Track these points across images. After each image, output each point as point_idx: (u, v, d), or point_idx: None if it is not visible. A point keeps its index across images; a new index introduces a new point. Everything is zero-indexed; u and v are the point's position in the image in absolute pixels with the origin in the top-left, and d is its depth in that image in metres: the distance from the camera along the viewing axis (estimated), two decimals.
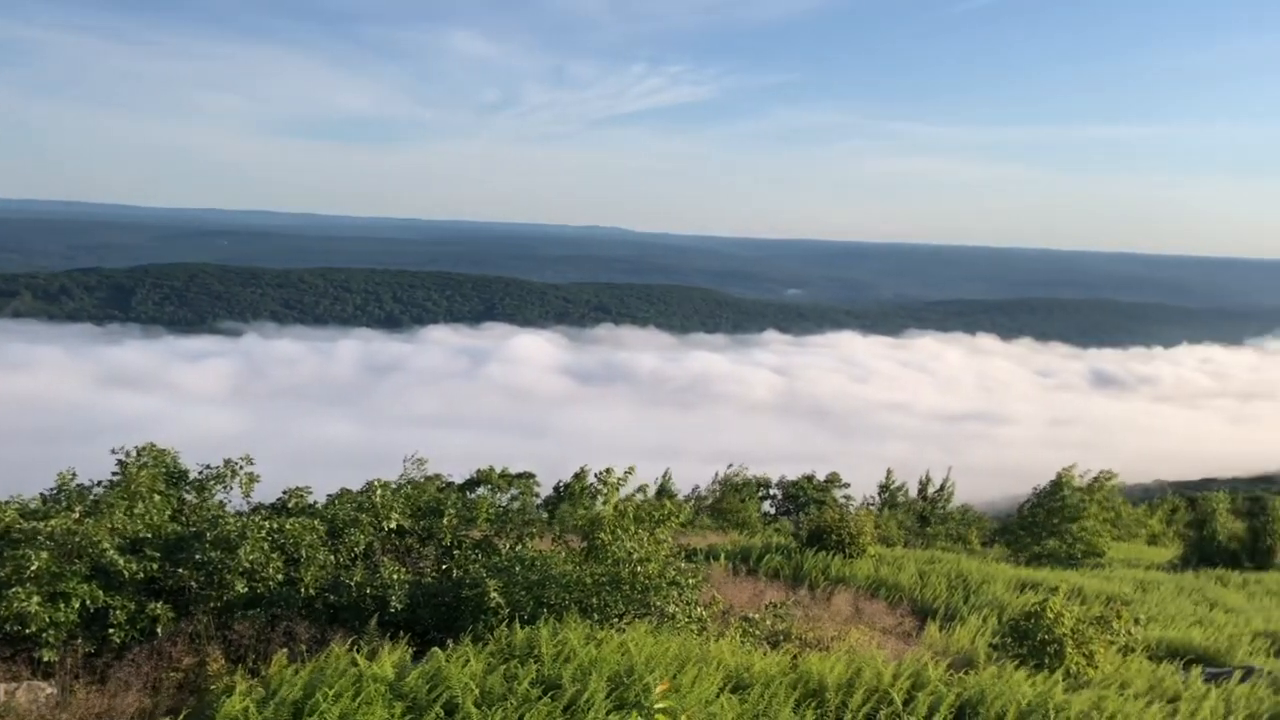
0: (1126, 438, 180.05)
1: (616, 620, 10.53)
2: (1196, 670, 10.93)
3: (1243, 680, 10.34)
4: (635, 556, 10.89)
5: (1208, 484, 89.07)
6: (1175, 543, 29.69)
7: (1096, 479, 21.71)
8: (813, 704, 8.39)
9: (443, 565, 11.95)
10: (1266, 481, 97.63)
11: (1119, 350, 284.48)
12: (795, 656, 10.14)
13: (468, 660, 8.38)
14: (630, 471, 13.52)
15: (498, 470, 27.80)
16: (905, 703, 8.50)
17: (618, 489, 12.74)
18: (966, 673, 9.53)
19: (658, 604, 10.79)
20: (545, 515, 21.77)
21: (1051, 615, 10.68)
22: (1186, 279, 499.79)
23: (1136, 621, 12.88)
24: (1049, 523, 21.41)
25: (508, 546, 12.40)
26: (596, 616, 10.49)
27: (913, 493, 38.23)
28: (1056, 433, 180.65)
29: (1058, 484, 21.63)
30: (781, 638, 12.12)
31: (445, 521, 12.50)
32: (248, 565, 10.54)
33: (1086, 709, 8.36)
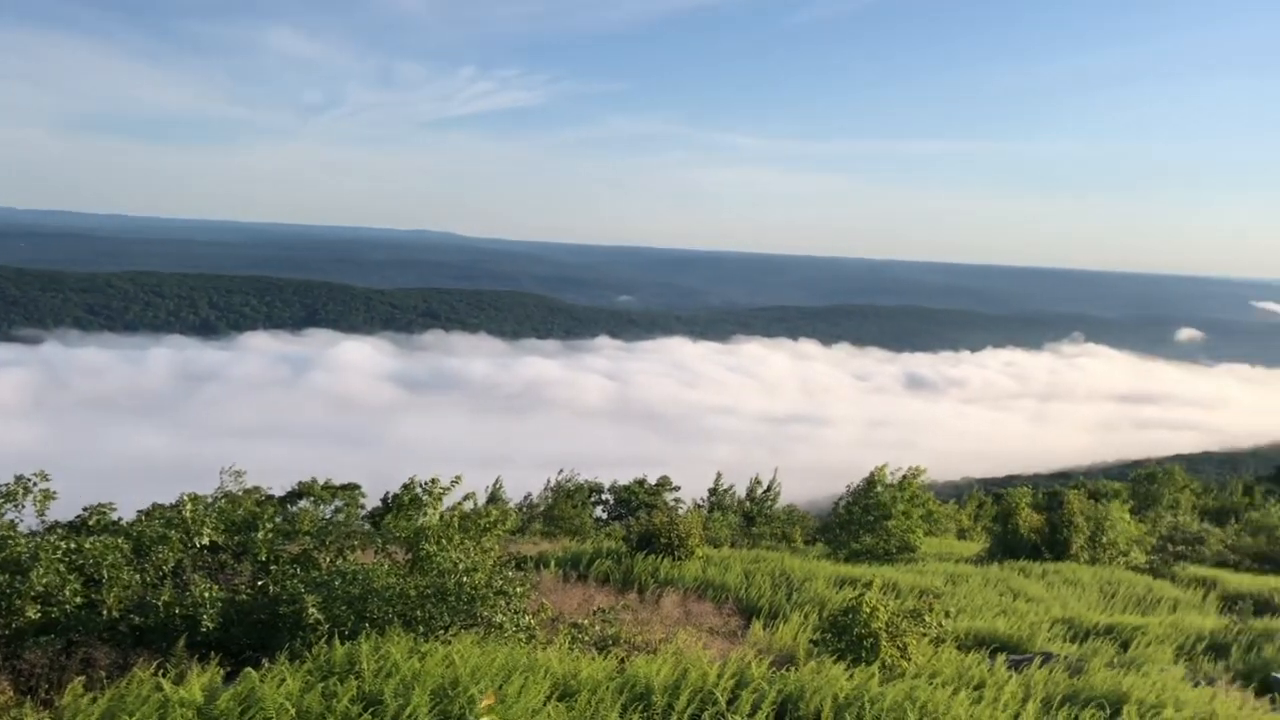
0: (937, 437, 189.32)
1: (442, 632, 10.32)
2: (1001, 658, 11.53)
3: (1042, 665, 10.95)
4: (461, 567, 10.71)
5: (1012, 480, 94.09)
6: (982, 537, 31.30)
7: (906, 476, 22.66)
8: (639, 707, 8.42)
9: (258, 581, 11.45)
10: (1064, 477, 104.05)
11: (930, 354, 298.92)
12: (623, 660, 10.17)
13: (283, 679, 8.04)
14: (457, 480, 13.28)
15: (321, 482, 26.90)
16: (729, 702, 8.63)
17: (441, 499, 12.49)
18: (788, 669, 9.77)
19: (484, 614, 10.63)
20: (370, 527, 21.21)
21: (867, 610, 11.08)
22: (991, 288, 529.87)
23: (947, 614, 13.49)
24: (865, 520, 22.23)
25: (328, 560, 11.98)
26: (422, 629, 10.26)
27: (740, 494, 39.03)
28: (874, 433, 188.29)
29: (871, 482, 22.50)
30: (610, 642, 12.14)
31: (261, 536, 11.99)
32: (41, 589, 9.84)
33: (899, 699, 8.68)
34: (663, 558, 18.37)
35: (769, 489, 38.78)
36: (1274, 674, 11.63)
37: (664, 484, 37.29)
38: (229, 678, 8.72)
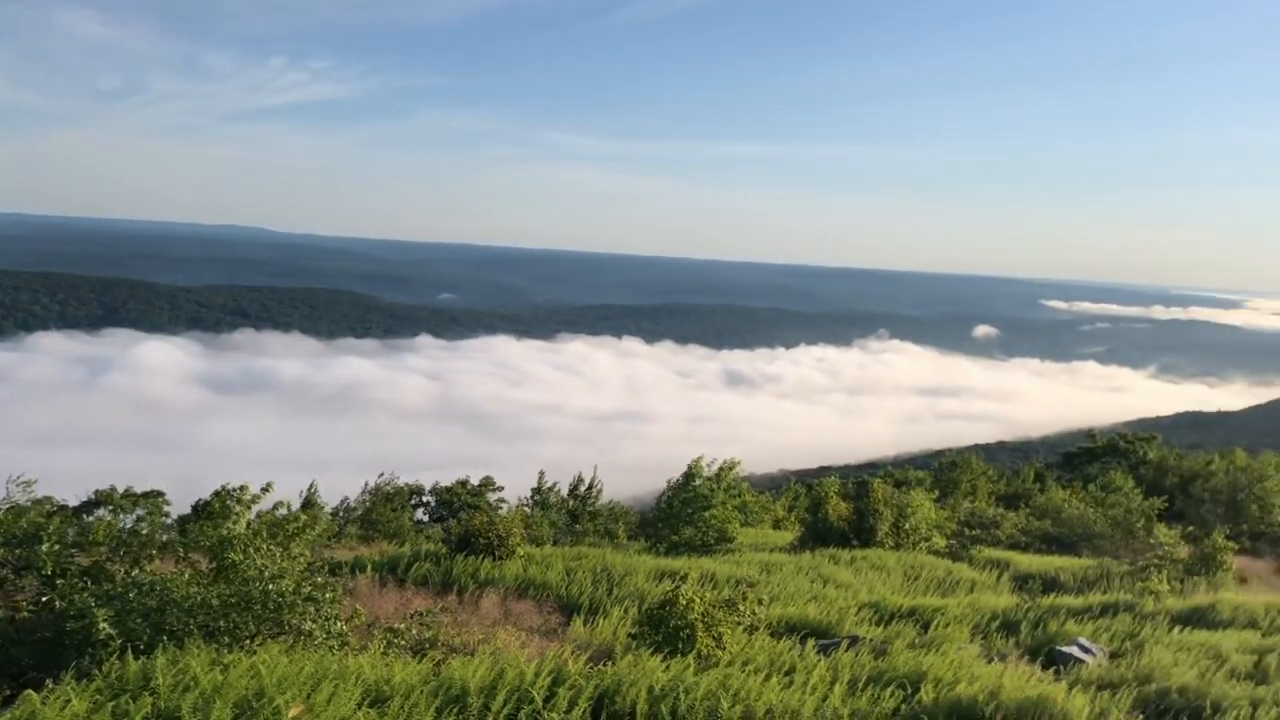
0: (755, 431, 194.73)
1: (248, 642, 9.89)
2: (811, 643, 11.91)
3: (849, 648, 11.38)
4: (267, 574, 10.29)
5: (825, 471, 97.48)
6: (796, 526, 32.31)
7: (722, 468, 23.17)
8: (454, 710, 8.29)
9: (43, 597, 10.69)
10: (872, 467, 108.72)
11: (748, 351, 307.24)
12: (439, 663, 9.99)
13: (68, 701, 7.52)
14: (268, 487, 12.76)
15: (121, 490, 25.34)
16: (546, 699, 8.60)
17: (250, 506, 11.97)
18: (606, 664, 9.82)
19: (293, 622, 10.25)
20: (176, 536, 20.16)
21: (683, 602, 11.25)
22: (805, 287, 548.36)
23: (760, 602, 13.85)
24: (684, 513, 22.61)
25: (123, 572, 11.29)
26: (226, 640, 9.80)
27: (565, 492, 39.03)
28: (695, 429, 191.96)
29: (689, 475, 22.90)
30: (427, 645, 11.92)
31: (45, 549, 11.20)
32: None
33: (713, 687, 8.86)
34: (483, 558, 18.16)
35: (592, 486, 38.91)
36: (1058, 647, 12.44)
37: (487, 484, 36.90)
38: (7, 702, 8.10)
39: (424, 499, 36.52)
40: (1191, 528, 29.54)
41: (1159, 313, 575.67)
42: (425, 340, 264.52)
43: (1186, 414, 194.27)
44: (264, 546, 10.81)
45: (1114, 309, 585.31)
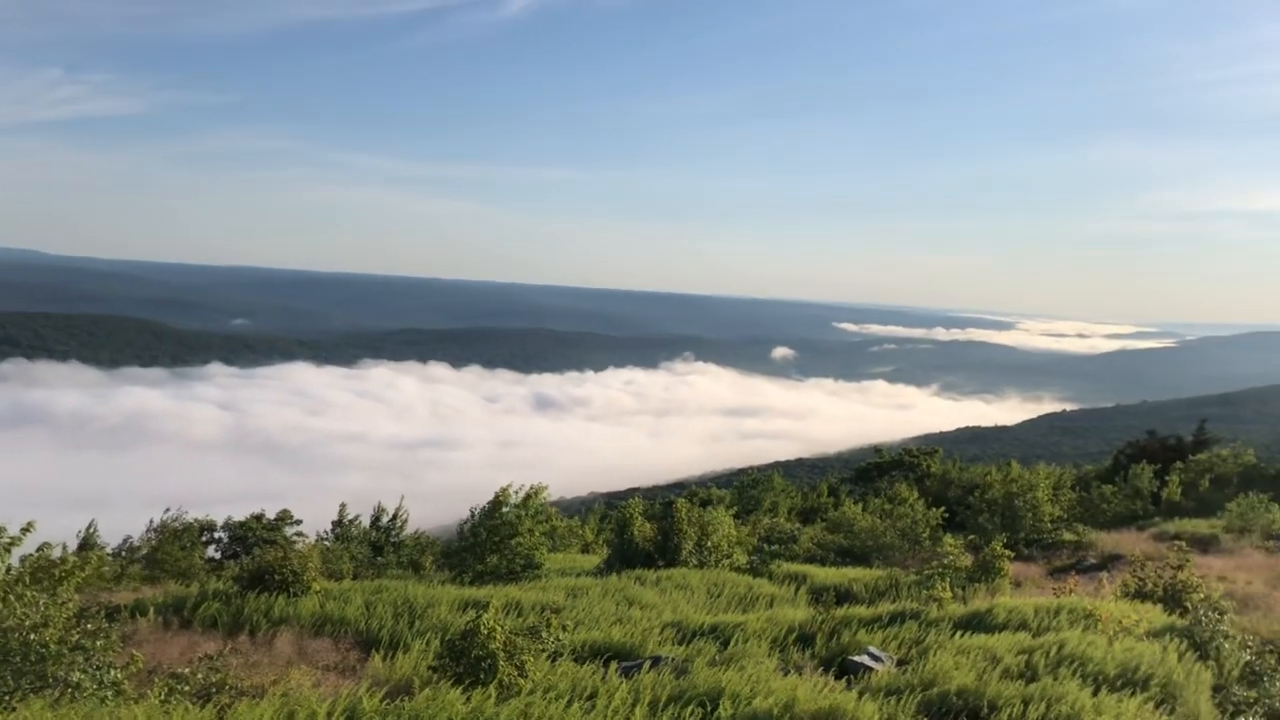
0: (565, 455, 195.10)
1: (6, 699, 9.09)
2: (614, 666, 11.94)
3: (651, 669, 11.47)
4: (28, 623, 9.50)
5: (634, 493, 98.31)
6: (604, 549, 32.44)
7: (529, 494, 23.03)
8: None
9: None
10: (679, 487, 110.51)
11: (556, 375, 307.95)
12: (224, 709, 9.46)
13: None
14: (28, 528, 11.78)
15: None
16: None
17: (9, 549, 11.02)
18: (404, 699, 9.54)
19: (59, 674, 9.49)
20: None
21: (485, 631, 11.08)
22: (613, 311, 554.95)
23: (565, 628, 13.80)
24: (490, 540, 22.32)
25: None
26: None
27: (368, 524, 37.89)
28: (505, 454, 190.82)
29: (496, 502, 22.64)
30: (214, 691, 11.28)
31: None
32: None
33: (515, 716, 8.74)
34: (277, 595, 17.38)
35: (396, 516, 37.91)
36: (850, 657, 12.93)
37: (284, 518, 35.36)
38: None
39: (216, 535, 34.66)
40: (972, 536, 31.38)
41: (941, 334, 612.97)
42: (217, 368, 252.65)
43: (967, 429, 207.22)
44: (26, 593, 9.99)
45: (900, 331, 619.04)
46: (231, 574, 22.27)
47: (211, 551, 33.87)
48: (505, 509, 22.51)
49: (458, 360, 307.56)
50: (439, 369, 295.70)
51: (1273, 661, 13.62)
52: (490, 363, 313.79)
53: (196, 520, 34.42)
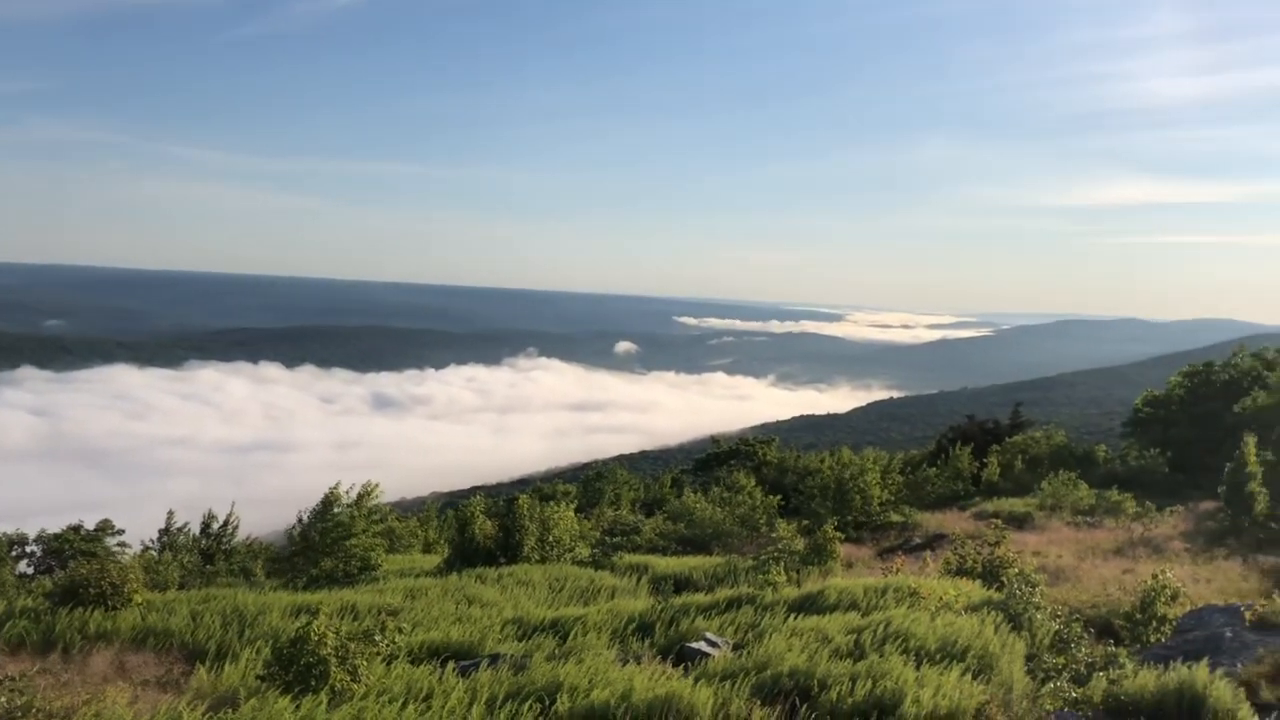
0: (407, 455, 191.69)
1: None
2: (451, 665, 11.74)
3: (489, 666, 11.33)
4: None
5: (478, 491, 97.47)
6: (445, 549, 31.99)
7: (362, 494, 22.49)
8: None
9: None
10: (524, 484, 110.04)
11: (395, 373, 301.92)
12: None
13: None
14: None
15: None
16: None
17: None
18: (229, 711, 9.14)
19: None
20: None
21: (316, 637, 10.72)
22: (453, 307, 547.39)
23: (401, 630, 13.50)
24: (324, 543, 21.69)
25: None
26: None
27: (198, 531, 36.30)
28: (343, 456, 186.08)
29: (328, 503, 22.01)
30: (19, 714, 10.55)
31: None
32: None
33: None
34: (93, 610, 16.40)
35: (227, 523, 36.43)
36: (688, 644, 13.09)
37: (105, 528, 33.48)
38: None
39: (28, 549, 32.57)
40: (806, 521, 32.34)
41: (776, 327, 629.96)
42: (29, 372, 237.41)
43: (802, 417, 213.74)
44: None
45: (738, 324, 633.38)
46: (43, 589, 20.94)
47: (24, 567, 31.79)
48: (338, 510, 21.90)
49: (291, 360, 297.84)
50: (271, 369, 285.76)
51: (1079, 629, 14.50)
52: (325, 362, 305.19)
53: (5, 534, 32.24)
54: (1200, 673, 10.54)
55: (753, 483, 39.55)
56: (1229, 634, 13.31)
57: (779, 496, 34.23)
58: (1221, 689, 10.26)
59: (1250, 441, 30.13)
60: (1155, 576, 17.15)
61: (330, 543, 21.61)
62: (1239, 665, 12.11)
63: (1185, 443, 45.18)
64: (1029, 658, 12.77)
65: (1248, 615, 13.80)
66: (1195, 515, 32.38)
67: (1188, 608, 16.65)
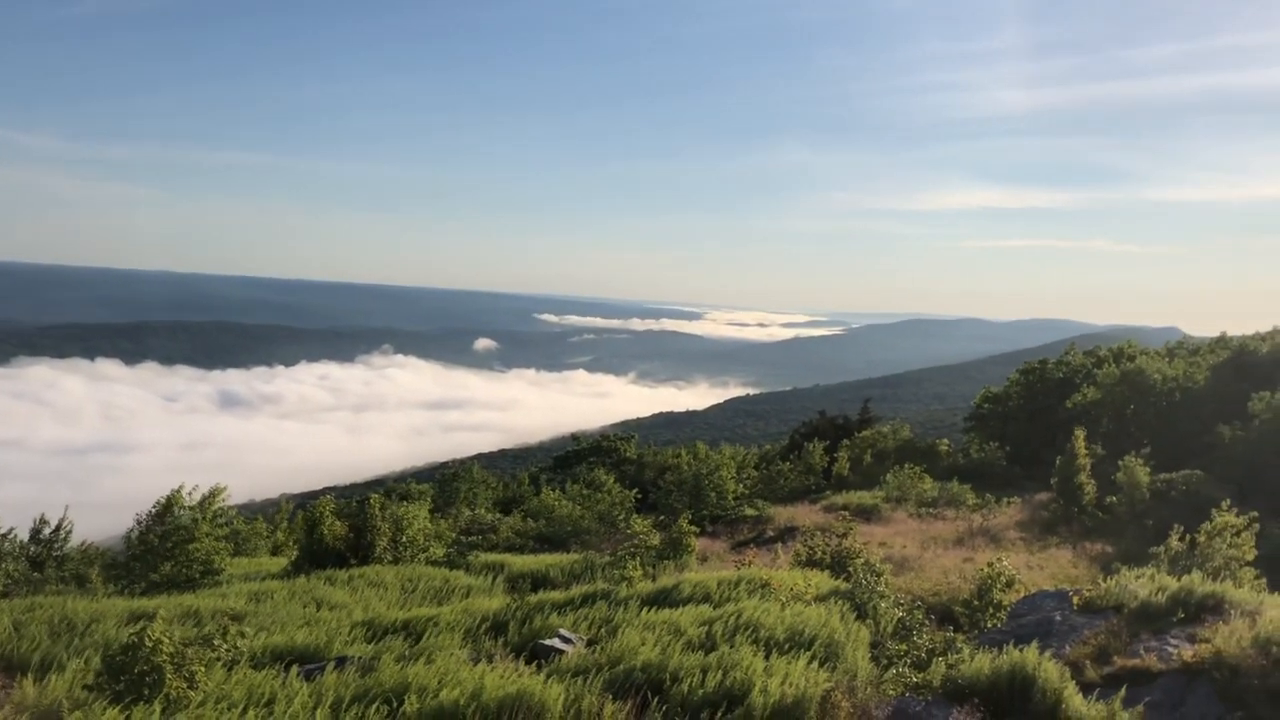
0: (256, 456, 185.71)
1: None
2: (295, 669, 11.39)
3: (336, 670, 11.04)
4: None
5: (330, 492, 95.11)
6: (294, 551, 31.10)
7: (206, 496, 21.64)
8: None
9: None
10: (379, 484, 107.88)
11: (244, 371, 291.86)
12: None
13: None
14: None
15: None
16: None
17: None
18: None
19: None
20: None
21: (150, 644, 10.23)
22: (304, 302, 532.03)
23: (244, 634, 13.02)
24: (164, 547, 20.77)
25: None
26: None
27: (27, 538, 34.30)
28: (188, 457, 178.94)
29: (167, 506, 21.10)
30: None
31: None
32: None
33: None
34: None
35: (60, 528, 34.52)
36: (541, 641, 13.03)
37: None
38: None
39: None
40: (663, 516, 32.69)
41: (636, 325, 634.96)
42: None
43: (662, 414, 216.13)
44: None
45: (599, 322, 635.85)
46: None
47: None
48: (179, 513, 21.01)
49: (131, 357, 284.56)
50: (109, 366, 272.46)
51: (920, 616, 15.06)
52: (169, 359, 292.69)
53: None
54: (1030, 655, 11.07)
55: (612, 480, 39.78)
56: (1059, 618, 14.02)
57: (637, 492, 34.48)
58: (1049, 670, 10.80)
59: (1079, 435, 31.90)
60: (992, 565, 17.97)
61: (171, 547, 20.70)
62: (1067, 647, 12.79)
63: (1022, 437, 47.52)
64: (874, 645, 13.18)
65: (1076, 600, 14.56)
66: (1031, 505, 34.10)
67: (1022, 594, 17.51)
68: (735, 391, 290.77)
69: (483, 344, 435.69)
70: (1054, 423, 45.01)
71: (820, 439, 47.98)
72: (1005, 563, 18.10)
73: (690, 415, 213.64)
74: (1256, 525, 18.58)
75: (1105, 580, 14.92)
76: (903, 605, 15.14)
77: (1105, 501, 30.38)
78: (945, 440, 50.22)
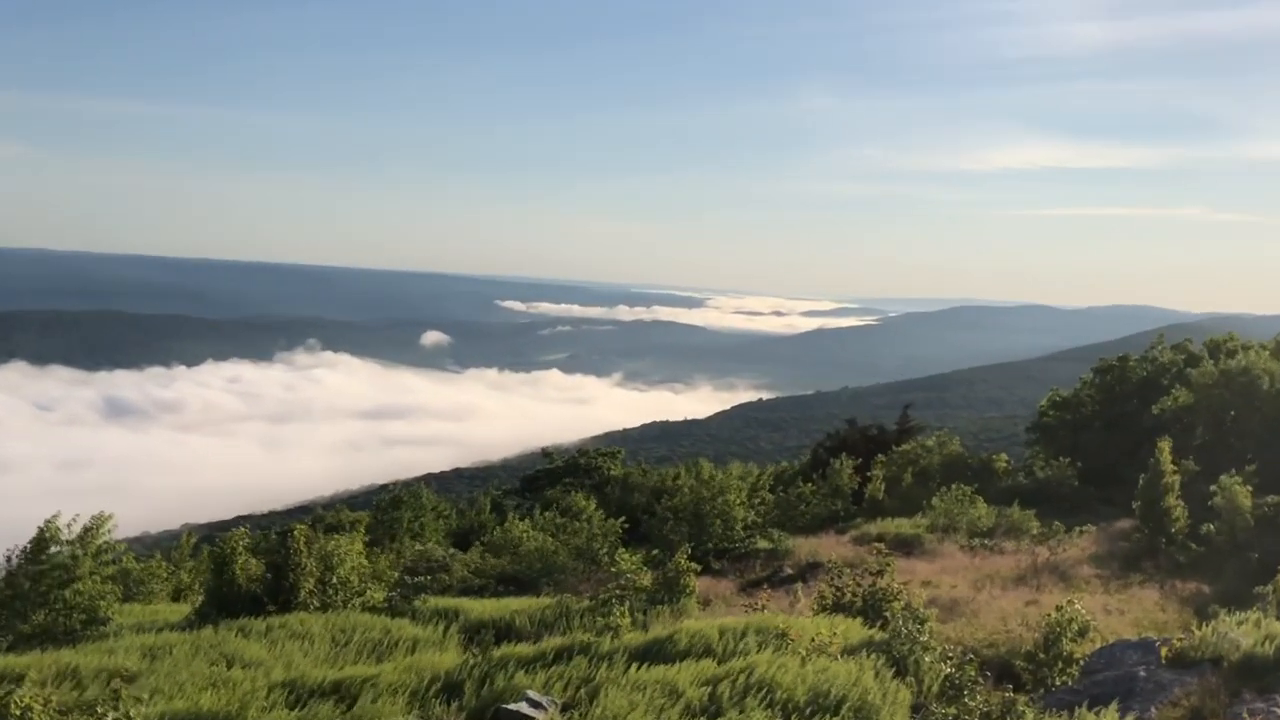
0: (152, 478, 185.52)
1: None
2: None
3: None
4: None
5: (245, 521, 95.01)
6: (200, 595, 31.03)
7: (88, 528, 21.60)
8: None
9: None
10: (305, 511, 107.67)
11: (135, 372, 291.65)
12: None
13: None
14: None
15: None
16: None
17: None
18: None
19: None
20: None
21: (17, 712, 10.27)
22: (209, 287, 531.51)
23: (138, 700, 13.00)
24: (36, 591, 20.74)
25: None
26: None
27: None
28: (67, 479, 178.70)
29: (41, 541, 21.05)
30: None
31: None
32: None
33: None
34: None
35: None
36: (504, 706, 13.04)
37: None
38: None
39: None
40: (656, 550, 32.71)
41: (623, 314, 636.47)
42: None
43: (654, 424, 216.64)
44: None
45: (576, 310, 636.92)
46: None
47: None
48: (56, 550, 20.99)
49: None
50: None
51: (974, 673, 15.11)
52: (41, 358, 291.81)
53: None
54: None
55: (593, 505, 39.79)
56: (1143, 673, 14.11)
57: (624, 520, 34.52)
58: None
59: (1164, 448, 31.98)
60: (1061, 609, 18.03)
61: (44, 591, 20.67)
62: (1153, 710, 12.86)
63: (1097, 450, 47.69)
64: (915, 708, 13.23)
65: (1164, 651, 14.64)
66: (1108, 535, 34.24)
67: (1098, 644, 17.60)
68: (745, 396, 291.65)
69: (432, 338, 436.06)
70: (1136, 433, 45.20)
71: (849, 454, 48.09)
72: (1077, 606, 18.17)
73: (690, 425, 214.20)
74: None
75: (1200, 627, 14.99)
76: (951, 659, 15.19)
77: (1200, 530, 30.52)
78: (1003, 455, 50.42)
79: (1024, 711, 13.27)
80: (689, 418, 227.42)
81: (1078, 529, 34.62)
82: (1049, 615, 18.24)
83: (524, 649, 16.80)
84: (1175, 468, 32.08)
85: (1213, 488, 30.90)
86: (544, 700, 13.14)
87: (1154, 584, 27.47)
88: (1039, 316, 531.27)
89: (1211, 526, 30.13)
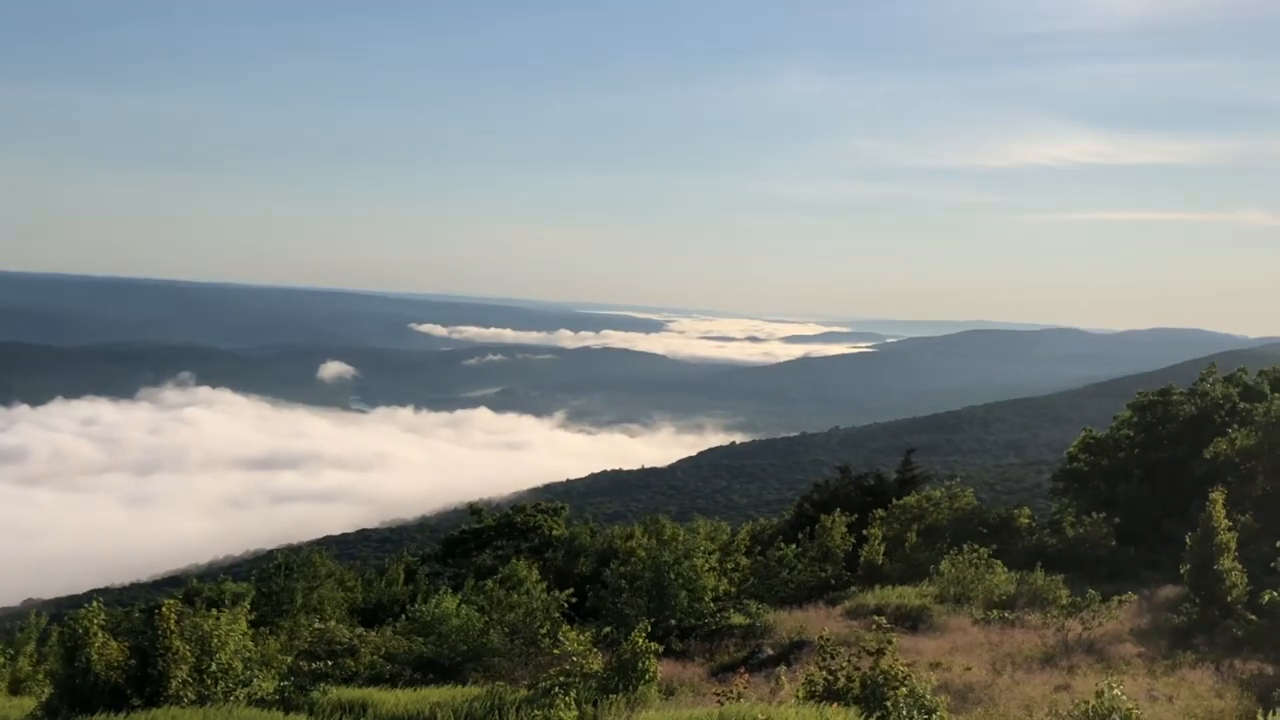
0: None
1: None
2: None
3: None
4: None
5: (101, 596, 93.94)
6: (45, 686, 30.73)
7: None
8: None
9: None
10: (176, 582, 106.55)
11: None
12: None
13: None
14: None
15: None
16: None
17: None
18: None
19: None
20: None
21: None
22: (59, 309, 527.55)
23: None
24: None
25: None
26: None
27: None
28: None
29: None
30: None
31: None
32: None
33: None
34: None
35: None
36: None
37: None
38: None
39: None
40: (609, 628, 32.62)
41: (567, 339, 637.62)
42: None
43: (606, 473, 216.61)
44: None
45: (510, 335, 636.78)
46: None
47: None
48: None
49: None
50: None
51: None
52: None
53: None
54: None
55: (534, 574, 39.71)
56: None
57: (569, 592, 34.44)
58: None
59: (1218, 500, 32.17)
60: (1099, 695, 18.14)
61: None
62: None
63: (1138, 503, 47.99)
64: None
65: None
66: (1152, 605, 34.48)
67: None
68: (715, 439, 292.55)
69: (333, 369, 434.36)
70: (1185, 483, 45.56)
71: (842, 509, 48.23)
72: (1117, 692, 18.28)
73: (647, 475, 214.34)
74: None
75: (1263, 716, 15.13)
76: None
77: (1260, 599, 30.72)
78: (1025, 509, 50.69)
79: None
80: (646, 466, 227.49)
81: (1116, 598, 34.80)
82: (1083, 703, 18.35)
83: None
84: (1231, 524, 32.30)
85: (1277, 545, 31.13)
86: None
87: (1208, 664, 27.66)
88: (1067, 342, 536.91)
89: (1275, 594, 30.36)
